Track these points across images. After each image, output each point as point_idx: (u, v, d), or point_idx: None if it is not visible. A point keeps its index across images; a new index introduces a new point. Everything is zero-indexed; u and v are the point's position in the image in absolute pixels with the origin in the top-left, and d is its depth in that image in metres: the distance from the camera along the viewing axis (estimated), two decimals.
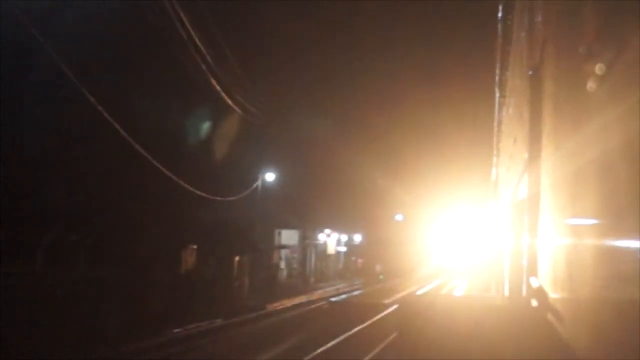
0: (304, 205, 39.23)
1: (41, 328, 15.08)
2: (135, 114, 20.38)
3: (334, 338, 19.34)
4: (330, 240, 49.85)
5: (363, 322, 23.00)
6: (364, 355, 16.34)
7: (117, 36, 20.68)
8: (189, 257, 25.08)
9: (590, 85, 3.90)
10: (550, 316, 5.62)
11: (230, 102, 25.91)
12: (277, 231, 37.16)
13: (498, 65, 17.20)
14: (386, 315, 23.97)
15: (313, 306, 31.32)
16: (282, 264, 37.71)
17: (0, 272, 15.22)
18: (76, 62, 16.70)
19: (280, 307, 29.08)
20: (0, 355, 13.60)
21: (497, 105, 18.54)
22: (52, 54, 15.73)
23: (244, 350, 18.64)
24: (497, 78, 17.89)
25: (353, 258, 55.96)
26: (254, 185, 32.19)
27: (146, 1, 19.60)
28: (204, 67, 22.70)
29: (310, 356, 16.81)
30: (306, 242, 42.40)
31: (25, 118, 18.42)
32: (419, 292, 28.07)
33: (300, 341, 19.89)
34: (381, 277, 50.08)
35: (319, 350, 17.59)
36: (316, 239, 45.82)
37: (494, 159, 21.11)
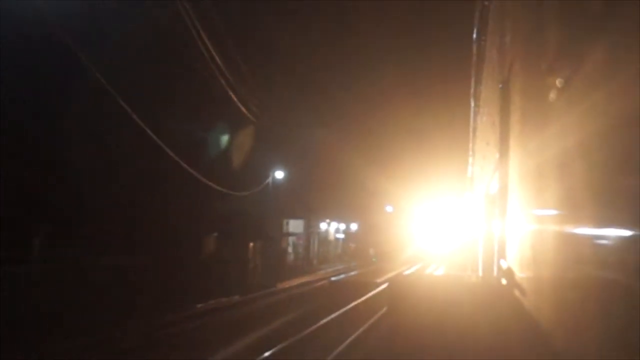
0: (308, 199, 39.24)
1: (89, 306, 15.11)
2: (165, 121, 20.40)
3: (336, 310, 19.43)
4: (331, 228, 49.88)
5: (359, 297, 23.02)
6: (362, 324, 16.43)
7: (148, 53, 20.70)
8: (210, 243, 25.11)
9: (551, 96, 3.92)
10: (516, 291, 5.67)
11: (245, 111, 25.92)
12: (285, 221, 37.13)
13: (473, 80, 17.13)
14: (378, 292, 23.98)
15: (316, 285, 31.35)
16: (290, 249, 37.67)
17: (53, 260, 15.31)
18: (112, 75, 16.68)
19: (289, 285, 29.12)
20: (56, 328, 13.71)
21: (472, 114, 18.48)
22: (94, 71, 15.73)
23: (259, 318, 18.75)
24: (472, 90, 17.81)
25: (350, 244, 55.91)
26: (266, 182, 32.24)
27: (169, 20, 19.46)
28: (223, 82, 22.68)
29: (318, 323, 16.97)
30: (310, 230, 42.41)
31: (72, 123, 18.44)
32: (406, 272, 28.03)
33: (307, 312, 20.19)
34: (374, 259, 50.02)
35: (325, 320, 17.75)
36: (318, 228, 45.87)
37: (470, 158, 21.07)
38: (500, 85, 8.42)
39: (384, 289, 17.48)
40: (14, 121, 16.73)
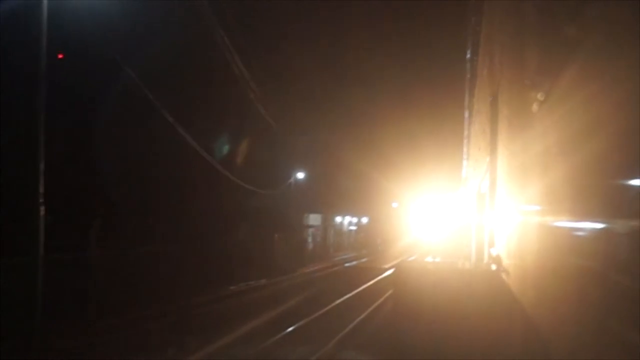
0: (326, 196, 39.28)
1: (136, 287, 15.31)
2: (200, 129, 20.51)
3: (349, 291, 19.50)
4: (345, 221, 49.95)
5: (369, 281, 23.03)
6: (372, 303, 16.49)
7: (188, 72, 20.83)
8: (241, 233, 25.17)
9: (534, 107, 3.92)
10: (504, 275, 5.65)
11: (272, 122, 26.00)
12: (305, 215, 37.18)
13: (467, 93, 17.06)
14: (385, 276, 23.99)
15: (332, 269, 31.36)
16: (309, 239, 37.70)
17: (107, 248, 15.43)
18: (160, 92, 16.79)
19: (308, 270, 29.17)
20: (112, 306, 13.95)
21: (466, 123, 18.39)
22: (144, 89, 15.85)
23: (285, 295, 18.95)
24: (466, 103, 17.74)
25: (361, 234, 55.84)
26: (289, 182, 32.37)
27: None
28: (252, 96, 22.78)
29: (336, 302, 17.06)
30: (327, 223, 42.47)
31: (124, 132, 18.57)
32: (410, 259, 27.93)
33: (325, 289, 20.68)
34: (380, 247, 49.81)
35: (342, 298, 17.91)
36: (334, 221, 45.93)
37: (464, 161, 20.96)
38: (490, 98, 8.39)
39: (391, 274, 17.59)
40: (68, 129, 16.80)
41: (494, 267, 6.39)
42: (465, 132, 18.89)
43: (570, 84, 3.04)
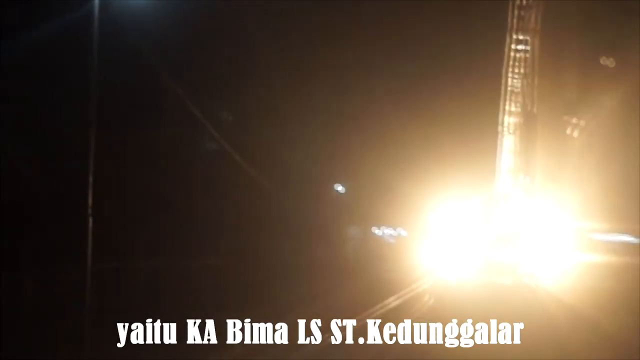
0: (365, 211, 39.97)
1: (185, 296, 15.56)
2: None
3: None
4: (379, 232, 50.56)
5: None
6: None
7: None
8: (287, 247, 25.62)
9: (574, 132, 4.35)
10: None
11: None
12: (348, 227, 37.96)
13: (501, 109, 17.37)
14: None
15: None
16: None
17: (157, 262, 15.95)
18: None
19: None
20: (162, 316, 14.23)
21: (499, 137, 18.61)
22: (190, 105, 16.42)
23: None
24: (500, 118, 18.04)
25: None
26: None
27: None
28: None
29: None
30: (366, 235, 43.22)
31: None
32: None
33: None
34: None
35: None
36: (373, 232, 46.56)
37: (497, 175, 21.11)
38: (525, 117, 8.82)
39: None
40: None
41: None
42: (498, 147, 19.15)
43: (607, 114, 3.48)
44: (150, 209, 18.41)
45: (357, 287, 25.65)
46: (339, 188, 34.37)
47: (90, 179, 11.03)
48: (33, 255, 13.30)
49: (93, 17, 11.18)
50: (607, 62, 11.95)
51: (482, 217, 19.28)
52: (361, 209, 39.13)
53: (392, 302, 19.72)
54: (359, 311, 16.09)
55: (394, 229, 53.82)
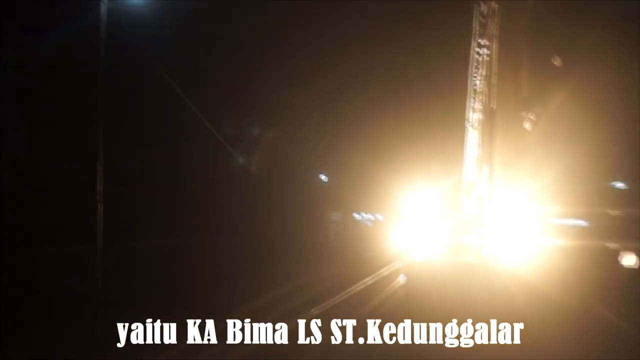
0: (346, 197, 41.85)
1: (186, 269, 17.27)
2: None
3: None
4: (359, 217, 52.57)
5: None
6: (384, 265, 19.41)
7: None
8: (273, 226, 27.30)
9: (527, 125, 6.12)
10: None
11: None
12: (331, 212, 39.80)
13: (467, 106, 19.16)
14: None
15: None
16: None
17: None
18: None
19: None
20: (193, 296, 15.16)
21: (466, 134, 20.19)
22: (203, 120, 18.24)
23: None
24: (467, 115, 19.78)
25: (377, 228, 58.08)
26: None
27: None
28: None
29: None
30: (348, 219, 45.34)
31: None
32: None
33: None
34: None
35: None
36: (353, 217, 48.64)
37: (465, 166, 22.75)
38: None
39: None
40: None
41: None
42: (465, 141, 20.97)
43: (558, 109, 5.18)
44: (151, 193, 20.11)
45: (338, 264, 27.53)
46: (323, 177, 36.28)
47: (100, 168, 11.55)
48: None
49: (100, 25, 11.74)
50: (556, 61, 14.20)
51: (450, 202, 20.71)
52: (343, 197, 41.10)
53: (369, 281, 21.21)
54: (343, 285, 17.93)
55: (372, 215, 56.09)
